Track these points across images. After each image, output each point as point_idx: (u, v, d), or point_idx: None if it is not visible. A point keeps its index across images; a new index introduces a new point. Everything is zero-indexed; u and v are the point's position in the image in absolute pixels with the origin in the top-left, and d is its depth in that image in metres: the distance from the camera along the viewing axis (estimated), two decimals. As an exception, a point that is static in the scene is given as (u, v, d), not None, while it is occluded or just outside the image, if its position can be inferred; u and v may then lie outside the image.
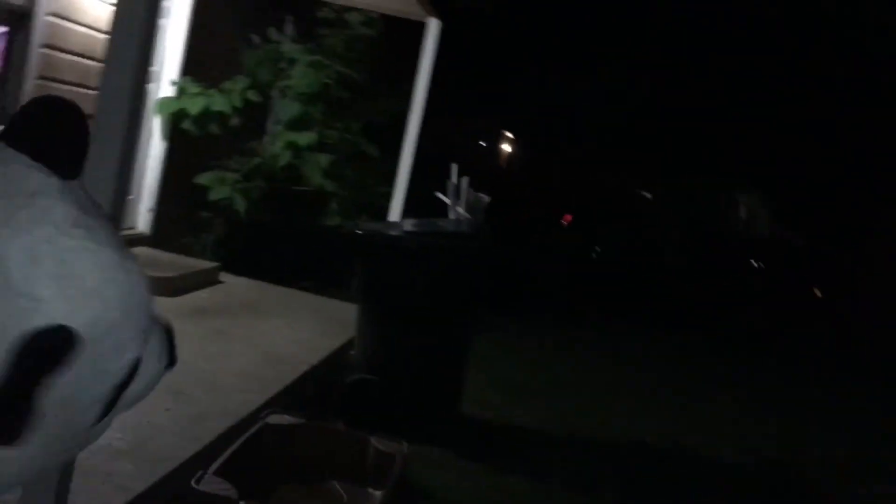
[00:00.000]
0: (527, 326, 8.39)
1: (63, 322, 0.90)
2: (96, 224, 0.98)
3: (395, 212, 6.17)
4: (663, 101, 16.01)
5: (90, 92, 5.01)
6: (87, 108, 4.42)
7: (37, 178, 0.95)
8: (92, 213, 1.00)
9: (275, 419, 3.47)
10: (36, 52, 4.46)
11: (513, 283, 9.24)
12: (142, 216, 6.59)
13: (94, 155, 2.10)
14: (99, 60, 5.05)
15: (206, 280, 5.90)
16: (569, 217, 14.69)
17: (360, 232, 4.62)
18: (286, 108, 7.16)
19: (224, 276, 6.22)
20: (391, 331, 4.53)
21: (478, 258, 4.62)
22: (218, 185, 6.73)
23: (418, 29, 6.46)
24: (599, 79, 15.71)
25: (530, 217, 13.29)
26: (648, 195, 15.89)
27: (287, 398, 3.98)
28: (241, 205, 6.75)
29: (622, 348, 8.51)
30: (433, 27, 6.29)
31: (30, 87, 4.51)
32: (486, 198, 5.07)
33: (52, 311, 0.90)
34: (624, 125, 16.52)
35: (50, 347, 0.89)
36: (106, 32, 5.01)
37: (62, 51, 4.68)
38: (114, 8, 4.12)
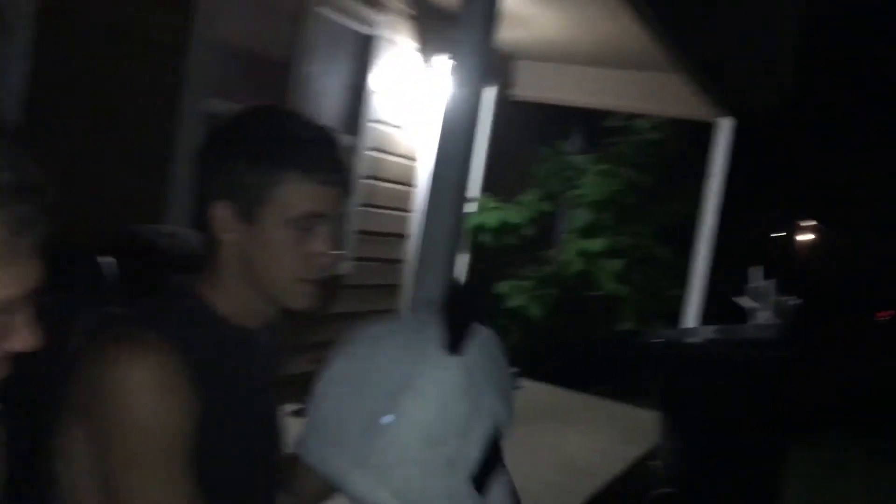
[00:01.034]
0: (855, 438, 7.59)
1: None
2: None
3: (690, 316, 6.01)
4: None
5: (406, 214, 5.54)
6: (402, 227, 4.80)
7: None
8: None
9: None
10: (360, 184, 5.03)
11: (826, 392, 8.45)
12: (445, 324, 7.01)
13: (421, 271, 2.34)
14: (410, 185, 5.57)
15: (505, 386, 6.08)
16: (885, 313, 13.23)
17: (655, 341, 4.54)
18: (577, 217, 7.34)
19: (522, 382, 6.38)
20: (695, 443, 4.35)
21: (786, 368, 4.33)
22: (515, 292, 7.00)
23: (707, 128, 6.39)
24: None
25: (840, 316, 12.14)
26: None
27: (591, 509, 3.95)
28: (536, 311, 6.95)
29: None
30: (725, 126, 6.19)
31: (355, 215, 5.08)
32: (793, 300, 4.77)
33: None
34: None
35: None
36: (412, 159, 5.54)
37: (381, 180, 5.24)
38: (424, 139, 4.47)
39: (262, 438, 1.25)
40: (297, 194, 1.14)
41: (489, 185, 7.13)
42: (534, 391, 6.25)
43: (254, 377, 1.22)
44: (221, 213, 1.15)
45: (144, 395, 1.03)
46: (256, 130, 1.18)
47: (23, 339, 0.73)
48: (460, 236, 2.45)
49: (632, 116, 7.52)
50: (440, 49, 5.44)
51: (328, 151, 1.19)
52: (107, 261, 1.36)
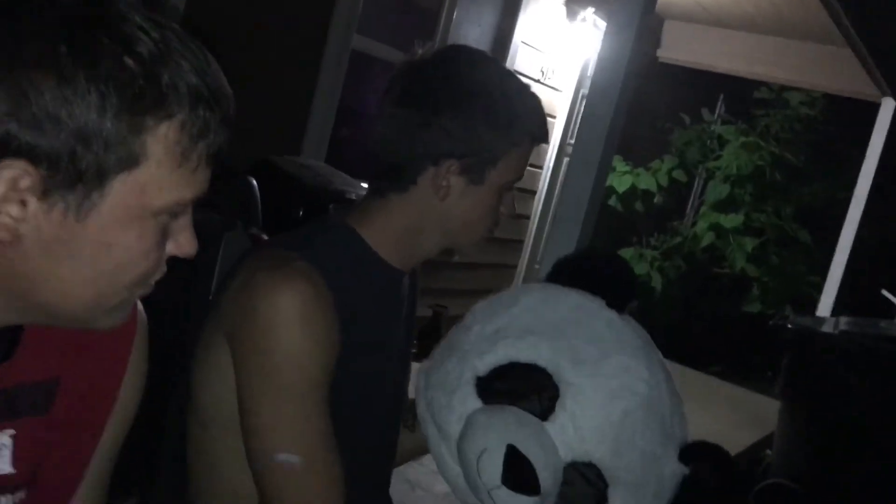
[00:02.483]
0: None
1: None
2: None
3: (825, 305, 5.69)
4: None
5: (538, 171, 5.45)
6: (533, 183, 4.72)
7: (606, 312, 1.06)
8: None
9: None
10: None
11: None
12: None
13: (556, 230, 2.28)
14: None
15: (618, 354, 5.98)
16: None
17: (790, 326, 4.32)
18: (713, 189, 7.05)
19: (635, 353, 6.25)
20: (818, 437, 4.14)
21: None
22: (637, 261, 6.83)
23: (866, 108, 5.96)
24: None
25: None
26: None
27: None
28: (657, 282, 6.76)
29: None
30: (887, 107, 5.76)
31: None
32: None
33: None
34: None
35: None
36: (551, 116, 5.43)
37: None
38: (559, 93, 4.32)
39: (395, 379, 1.25)
40: (521, 160, 1.17)
41: (622, 148, 6.93)
42: (647, 363, 6.10)
43: (396, 318, 1.21)
44: (447, 172, 1.13)
45: (290, 324, 1.03)
46: (487, 88, 1.14)
47: (180, 245, 0.74)
48: (599, 203, 2.37)
49: (784, 89, 7.10)
50: (585, 2, 5.27)
51: (542, 111, 1.21)
52: (252, 182, 1.39)
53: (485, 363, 1.01)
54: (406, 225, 1.15)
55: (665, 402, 1.05)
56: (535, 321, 1.02)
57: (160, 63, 0.65)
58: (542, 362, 0.99)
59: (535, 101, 1.18)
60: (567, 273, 1.08)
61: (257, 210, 1.21)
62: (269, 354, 1.03)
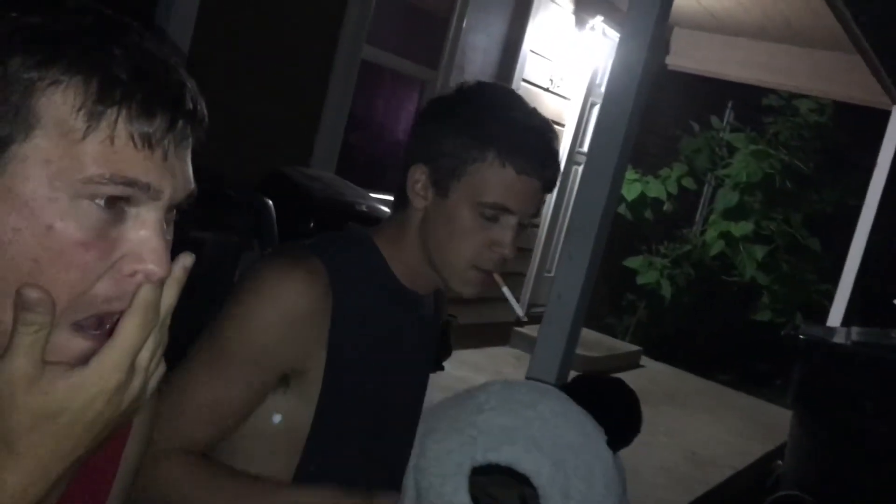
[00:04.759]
0: None
1: None
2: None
3: (836, 314, 5.65)
4: None
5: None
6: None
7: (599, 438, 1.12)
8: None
9: (698, 524, 3.34)
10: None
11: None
12: (571, 293, 6.91)
13: (570, 243, 2.27)
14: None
15: (627, 363, 5.96)
16: None
17: (802, 336, 4.29)
18: (723, 197, 7.03)
19: (644, 360, 6.23)
20: (830, 448, 4.11)
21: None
22: (646, 269, 6.81)
23: (875, 116, 5.93)
24: None
25: None
26: None
27: (707, 502, 3.81)
28: (667, 290, 6.74)
29: None
30: (898, 115, 5.74)
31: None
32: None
33: None
34: None
35: None
36: (559, 124, 5.42)
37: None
38: (568, 101, 4.30)
39: (403, 399, 1.22)
40: (492, 178, 1.08)
41: (631, 156, 6.91)
42: (656, 371, 6.09)
43: (409, 339, 1.20)
44: (417, 177, 1.12)
45: (261, 297, 1.03)
46: (474, 104, 1.13)
47: (137, 253, 0.59)
48: (613, 213, 2.35)
49: (793, 96, 7.08)
50: (594, 11, 5.26)
51: (538, 142, 1.11)
52: (268, 203, 1.39)
53: (486, 459, 1.07)
54: (411, 242, 1.15)
55: None
56: (543, 436, 1.08)
57: (71, 21, 0.58)
58: (537, 481, 1.05)
59: (526, 124, 1.11)
60: (585, 393, 1.14)
61: (273, 229, 1.21)
62: (229, 317, 1.05)
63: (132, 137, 0.58)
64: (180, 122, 0.60)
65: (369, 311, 1.12)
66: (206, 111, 0.62)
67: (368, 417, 1.16)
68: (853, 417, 3.99)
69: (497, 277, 1.15)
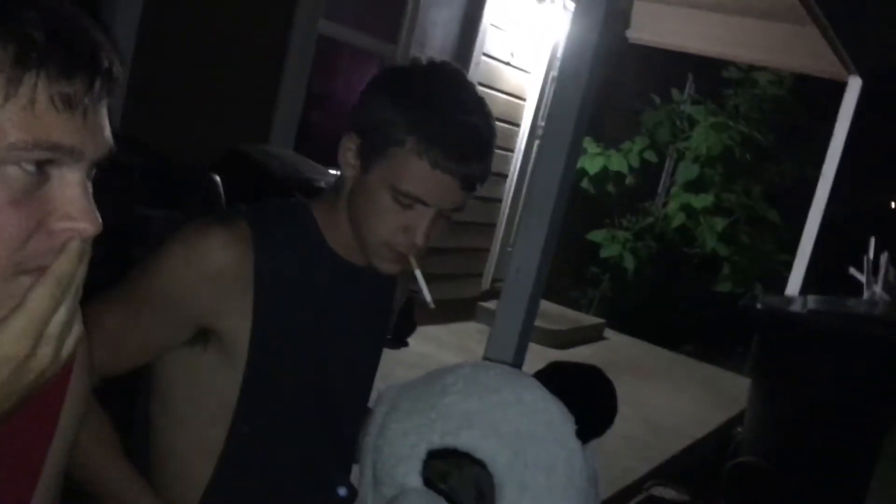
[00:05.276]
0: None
1: None
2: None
3: (794, 284, 5.75)
4: None
5: (509, 154, 5.45)
6: (504, 167, 4.72)
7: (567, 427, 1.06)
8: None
9: (659, 492, 3.40)
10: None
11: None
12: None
13: (527, 216, 2.28)
14: (515, 124, 5.46)
15: (591, 335, 6.02)
16: None
17: (759, 306, 4.37)
18: (684, 170, 7.10)
19: (608, 333, 6.30)
20: (787, 416, 4.19)
21: (893, 349, 4.10)
22: (609, 242, 6.87)
23: (833, 88, 6.01)
24: None
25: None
26: None
27: (668, 470, 3.88)
28: (630, 263, 6.81)
29: None
30: (853, 86, 5.81)
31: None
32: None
33: None
34: None
35: None
36: (520, 98, 5.42)
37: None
38: (529, 75, 4.29)
39: (346, 371, 1.22)
40: (407, 166, 1.05)
41: (592, 130, 6.94)
42: (619, 343, 6.16)
43: (350, 310, 1.19)
44: (349, 146, 1.11)
45: (178, 247, 1.06)
46: (414, 84, 1.10)
47: (68, 217, 0.59)
48: (571, 187, 2.35)
49: (751, 69, 7.15)
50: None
51: (463, 138, 1.06)
52: (216, 180, 1.37)
53: (444, 443, 1.03)
54: (342, 212, 1.14)
55: None
56: (504, 422, 1.03)
57: None
58: (493, 468, 1.01)
59: (458, 118, 1.06)
60: (558, 380, 1.09)
61: (221, 207, 1.19)
62: (143, 265, 1.08)
63: (53, 100, 0.57)
64: (98, 82, 0.59)
65: (300, 279, 1.12)
66: (121, 69, 0.62)
67: (306, 386, 1.16)
68: (809, 385, 4.08)
69: (412, 260, 1.12)
